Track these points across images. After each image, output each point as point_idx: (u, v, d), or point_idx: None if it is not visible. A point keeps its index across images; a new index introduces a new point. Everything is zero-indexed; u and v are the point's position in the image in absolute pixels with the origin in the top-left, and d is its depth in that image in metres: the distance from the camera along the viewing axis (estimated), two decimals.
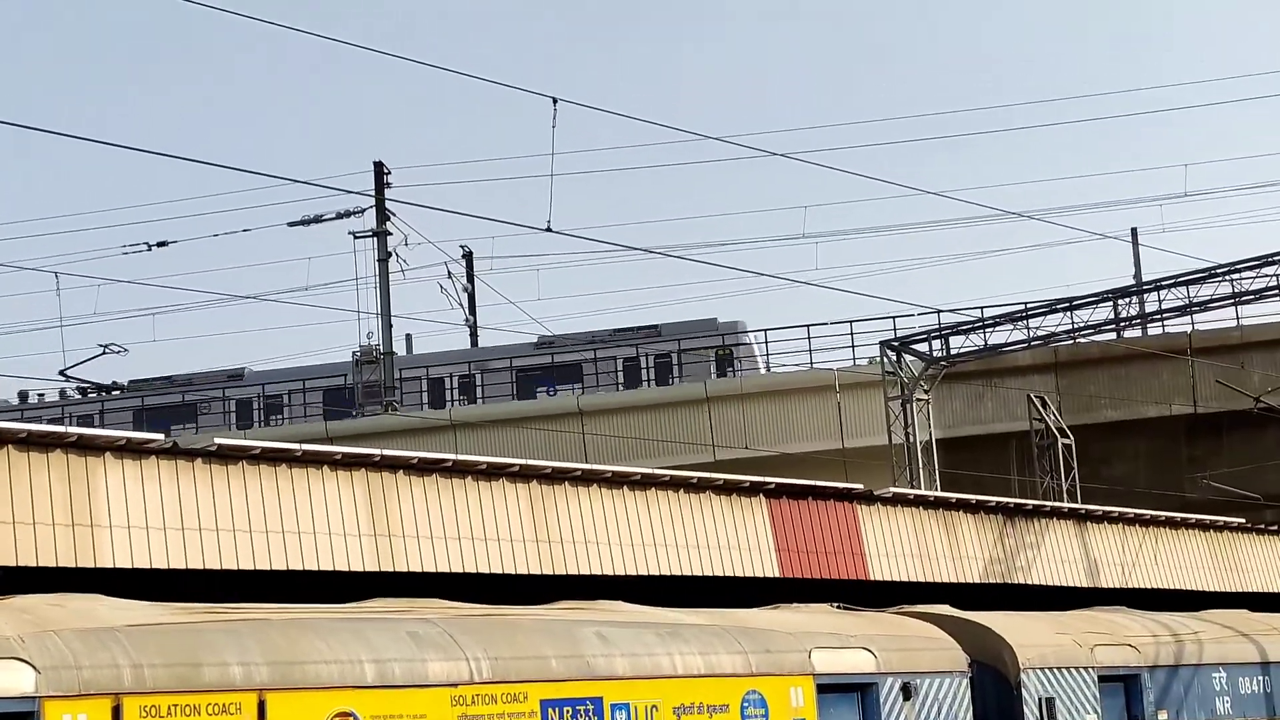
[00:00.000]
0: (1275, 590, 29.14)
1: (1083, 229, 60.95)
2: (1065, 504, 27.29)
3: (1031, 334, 37.88)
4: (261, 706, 12.40)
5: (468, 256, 57.77)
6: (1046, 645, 19.85)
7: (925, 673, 18.15)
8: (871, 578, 21.86)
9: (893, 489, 23.22)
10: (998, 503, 24.52)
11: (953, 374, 41.03)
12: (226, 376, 54.87)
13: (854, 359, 47.37)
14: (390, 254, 51.07)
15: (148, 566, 15.22)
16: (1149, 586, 26.29)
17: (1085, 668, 20.15)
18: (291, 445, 16.64)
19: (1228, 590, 28.02)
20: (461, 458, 17.94)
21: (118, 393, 55.01)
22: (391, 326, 51.22)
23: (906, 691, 17.83)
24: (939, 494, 25.00)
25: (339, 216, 53.31)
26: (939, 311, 38.65)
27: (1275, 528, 30.27)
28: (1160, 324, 40.89)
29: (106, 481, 15.06)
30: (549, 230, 20.45)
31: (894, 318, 45.51)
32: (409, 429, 46.35)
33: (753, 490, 20.78)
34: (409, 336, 58.25)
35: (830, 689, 16.98)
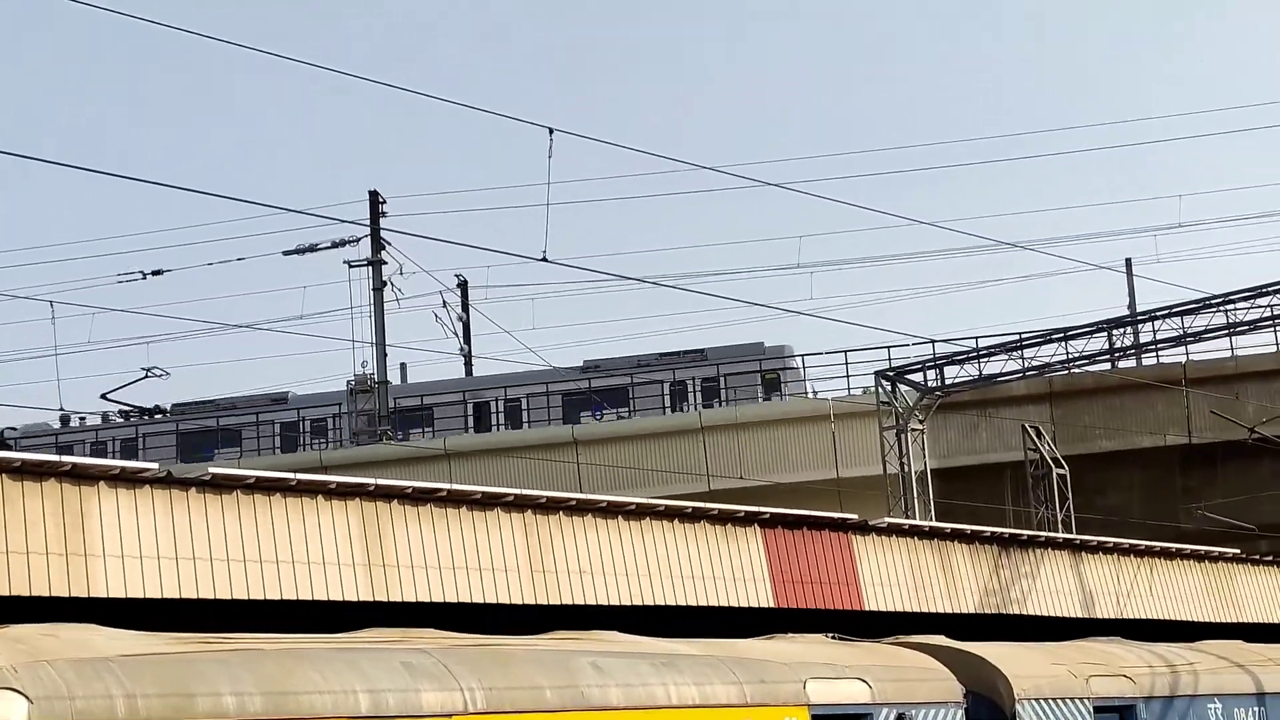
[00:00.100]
0: (1270, 621, 29.12)
1: (1077, 259, 61.12)
2: (1060, 534, 27.28)
3: (1026, 364, 37.92)
4: None
5: (463, 285, 57.83)
6: (1042, 676, 19.82)
7: (920, 703, 18.12)
8: (866, 608, 21.83)
9: (888, 519, 23.20)
10: (992, 533, 24.51)
11: (947, 404, 41.05)
12: (269, 400, 54.48)
13: (849, 389, 47.42)
14: (385, 283, 51.13)
15: (141, 596, 15.19)
16: (1144, 617, 26.26)
17: (1081, 698, 20.12)
18: (286, 475, 16.63)
19: (1223, 621, 27.99)
20: (456, 487, 17.92)
21: (159, 416, 54.79)
22: (386, 355, 51.27)
23: None
24: (934, 524, 24.98)
25: (334, 245, 53.39)
26: (934, 341, 38.70)
27: (1270, 558, 30.25)
28: (1155, 354, 41.02)
29: (100, 511, 15.04)
30: (545, 260, 20.47)
31: (889, 348, 45.62)
32: (403, 458, 46.31)
33: (748, 520, 20.77)
34: (403, 365, 58.25)
35: None
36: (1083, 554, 25.74)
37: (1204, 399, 42.82)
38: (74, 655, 12.07)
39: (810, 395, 48.60)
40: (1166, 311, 36.14)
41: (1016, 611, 24.15)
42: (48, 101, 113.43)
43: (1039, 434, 41.20)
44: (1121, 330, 37.52)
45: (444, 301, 56.06)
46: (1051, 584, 24.92)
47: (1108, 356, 38.26)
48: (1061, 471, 40.49)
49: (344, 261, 52.20)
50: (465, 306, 57.97)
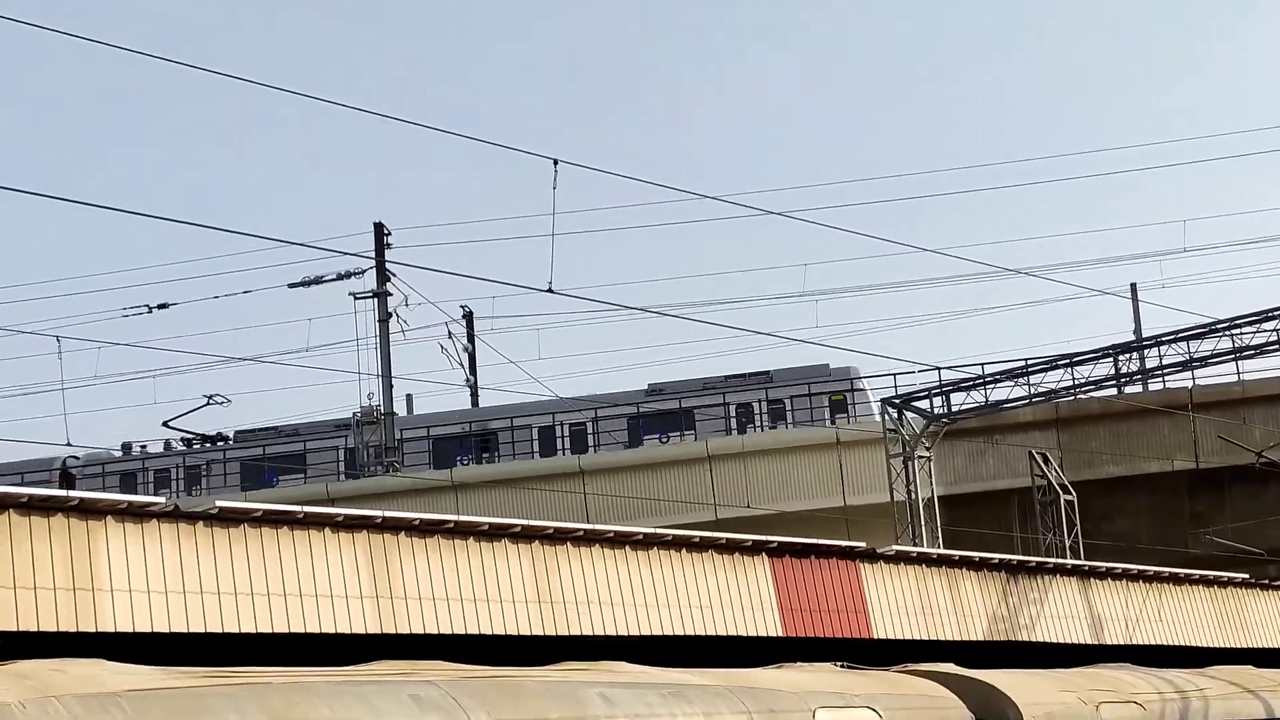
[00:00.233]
0: None
1: (1082, 285, 61.06)
2: (1068, 560, 27.26)
3: (1032, 390, 37.90)
4: None
5: (468, 317, 57.90)
6: (1052, 703, 19.77)
7: None
8: (875, 636, 21.80)
9: (895, 547, 23.18)
10: (1000, 560, 24.47)
11: (954, 431, 41.04)
12: (333, 427, 54.39)
13: (855, 416, 47.42)
14: (390, 314, 51.21)
15: (149, 630, 15.18)
16: (1153, 643, 26.21)
17: None
18: (293, 508, 16.63)
19: (1232, 646, 27.92)
20: (463, 519, 17.91)
21: (222, 443, 54.77)
22: (392, 387, 51.32)
23: None
24: (942, 551, 24.95)
25: (339, 277, 53.51)
26: (939, 368, 38.74)
27: (1279, 583, 30.20)
28: (1161, 379, 40.97)
29: (108, 545, 15.04)
30: (550, 290, 20.49)
31: (894, 375, 45.70)
32: (410, 490, 46.30)
33: (755, 549, 20.75)
34: (409, 397, 58.30)
35: None
36: (1091, 580, 25.70)
37: (1211, 424, 42.79)
38: (82, 690, 12.05)
39: (876, 418, 48.32)
40: (1172, 336, 36.15)
41: (1025, 638, 24.11)
42: (52, 136, 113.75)
43: (1046, 460, 41.17)
44: (1127, 355, 37.51)
45: (449, 333, 56.17)
46: (1060, 610, 24.88)
47: (1114, 382, 38.23)
48: (1069, 497, 40.43)
49: (349, 294, 52.34)
50: (471, 337, 58.04)
